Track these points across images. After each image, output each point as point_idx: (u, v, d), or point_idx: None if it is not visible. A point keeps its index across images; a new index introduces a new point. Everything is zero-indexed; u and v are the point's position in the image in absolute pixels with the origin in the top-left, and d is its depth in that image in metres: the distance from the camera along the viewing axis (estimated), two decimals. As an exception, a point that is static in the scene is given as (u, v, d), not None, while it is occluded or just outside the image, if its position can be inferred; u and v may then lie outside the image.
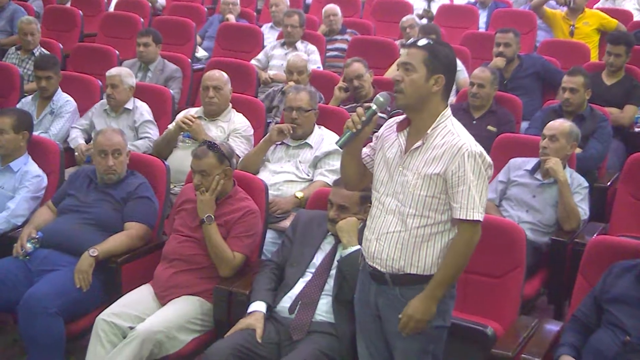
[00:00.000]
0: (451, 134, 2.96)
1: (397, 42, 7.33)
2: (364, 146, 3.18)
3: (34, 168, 4.66)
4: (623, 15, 8.04)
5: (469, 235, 2.95)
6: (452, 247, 2.98)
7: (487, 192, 2.98)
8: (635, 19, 8.22)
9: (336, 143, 3.10)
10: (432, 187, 2.94)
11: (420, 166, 2.96)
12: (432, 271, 2.99)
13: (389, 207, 3.03)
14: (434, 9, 9.00)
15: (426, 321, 2.99)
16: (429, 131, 2.97)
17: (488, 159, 2.97)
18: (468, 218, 2.91)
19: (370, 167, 3.17)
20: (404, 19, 7.67)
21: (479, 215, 2.92)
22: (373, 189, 3.13)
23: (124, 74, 5.69)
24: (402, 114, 3.12)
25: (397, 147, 3.04)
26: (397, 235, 3.00)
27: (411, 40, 3.05)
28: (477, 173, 2.91)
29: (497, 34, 6.64)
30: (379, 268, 3.05)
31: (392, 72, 6.36)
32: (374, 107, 3.01)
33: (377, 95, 3.05)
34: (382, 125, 3.21)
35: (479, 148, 2.95)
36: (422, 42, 2.98)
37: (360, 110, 3.01)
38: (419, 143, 2.98)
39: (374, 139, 3.19)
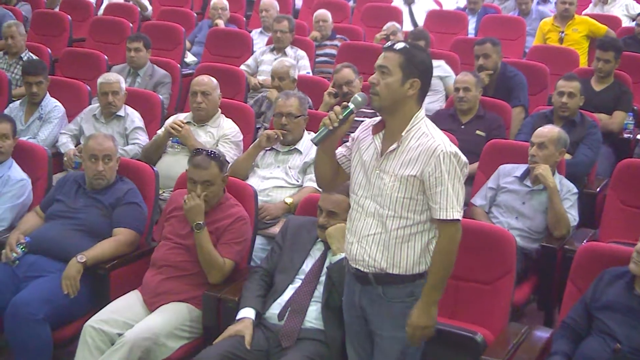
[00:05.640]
0: (425, 135, 2.99)
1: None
2: (339, 145, 3.21)
3: (16, 173, 4.62)
4: (612, 21, 8.09)
5: (451, 234, 2.99)
6: (437, 249, 3.02)
7: (464, 190, 3.02)
8: (624, 24, 8.27)
9: (312, 140, 3.13)
10: (409, 189, 2.98)
11: (396, 168, 2.99)
12: (414, 270, 3.03)
13: (368, 209, 3.06)
14: (416, 12, 9.02)
15: (432, 326, 3.03)
16: (403, 133, 3.00)
17: (463, 158, 3.00)
18: (448, 218, 2.95)
19: (345, 167, 3.20)
20: (385, 27, 7.61)
21: (458, 215, 2.97)
22: (351, 191, 3.16)
23: (121, 80, 5.66)
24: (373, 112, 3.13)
25: (373, 149, 3.07)
26: (377, 237, 3.04)
27: (389, 43, 3.07)
28: (453, 173, 2.95)
29: (474, 46, 6.37)
30: (361, 269, 3.09)
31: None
32: (352, 106, 3.03)
33: (355, 95, 3.08)
34: (357, 128, 3.22)
35: (453, 148, 2.98)
36: (399, 45, 3.00)
37: (337, 108, 3.03)
38: (394, 146, 3.01)
39: (350, 139, 3.21)
